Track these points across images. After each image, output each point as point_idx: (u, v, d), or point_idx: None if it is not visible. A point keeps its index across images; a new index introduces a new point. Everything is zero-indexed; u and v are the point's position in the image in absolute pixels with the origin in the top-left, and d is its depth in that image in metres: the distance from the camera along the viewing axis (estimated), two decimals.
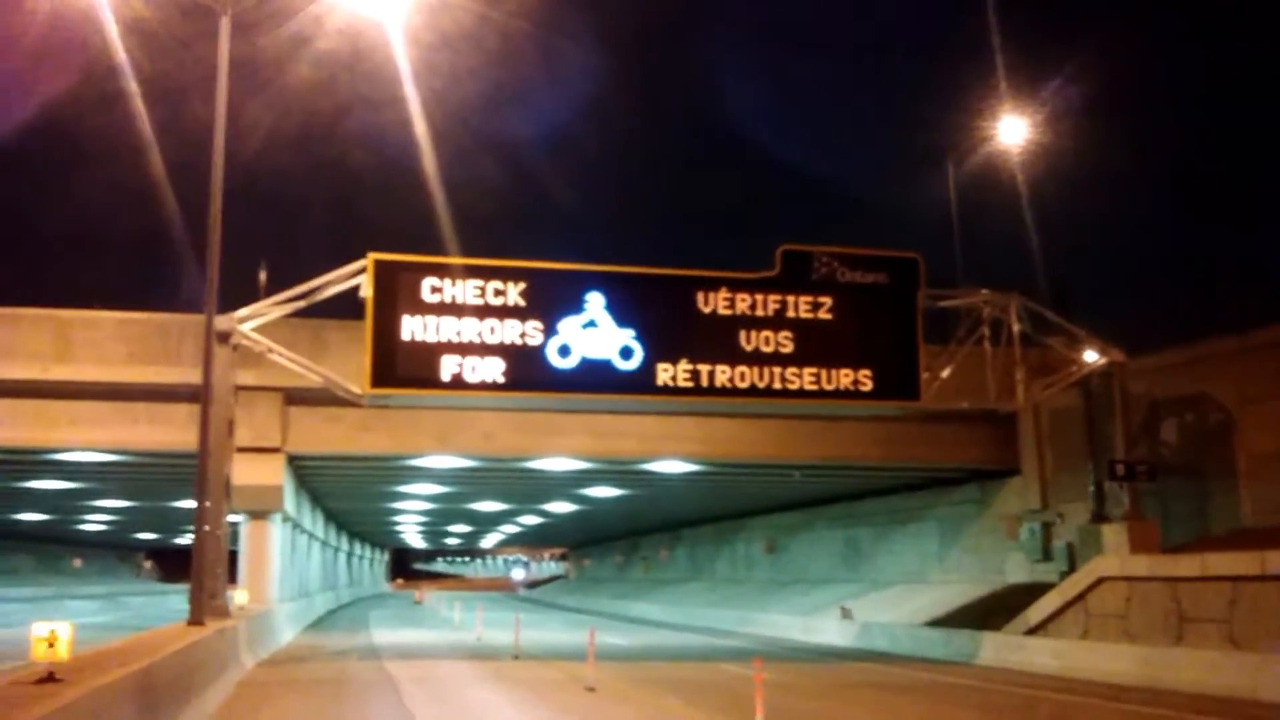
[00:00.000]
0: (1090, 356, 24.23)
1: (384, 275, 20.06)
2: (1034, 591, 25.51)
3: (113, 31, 18.43)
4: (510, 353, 20.35)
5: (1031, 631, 23.77)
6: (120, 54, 19.14)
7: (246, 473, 24.16)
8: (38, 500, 44.27)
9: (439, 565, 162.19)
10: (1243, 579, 19.12)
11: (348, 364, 21.46)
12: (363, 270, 20.12)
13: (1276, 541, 19.53)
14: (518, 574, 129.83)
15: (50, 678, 8.98)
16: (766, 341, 21.32)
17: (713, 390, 21.12)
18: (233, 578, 25.79)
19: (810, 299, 21.62)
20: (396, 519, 63.15)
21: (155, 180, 25.69)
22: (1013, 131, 26.08)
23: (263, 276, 26.09)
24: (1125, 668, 20.01)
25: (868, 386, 21.61)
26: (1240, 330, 23.81)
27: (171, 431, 24.91)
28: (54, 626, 9.38)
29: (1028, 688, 19.30)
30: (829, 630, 32.38)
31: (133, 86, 20.86)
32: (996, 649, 23.93)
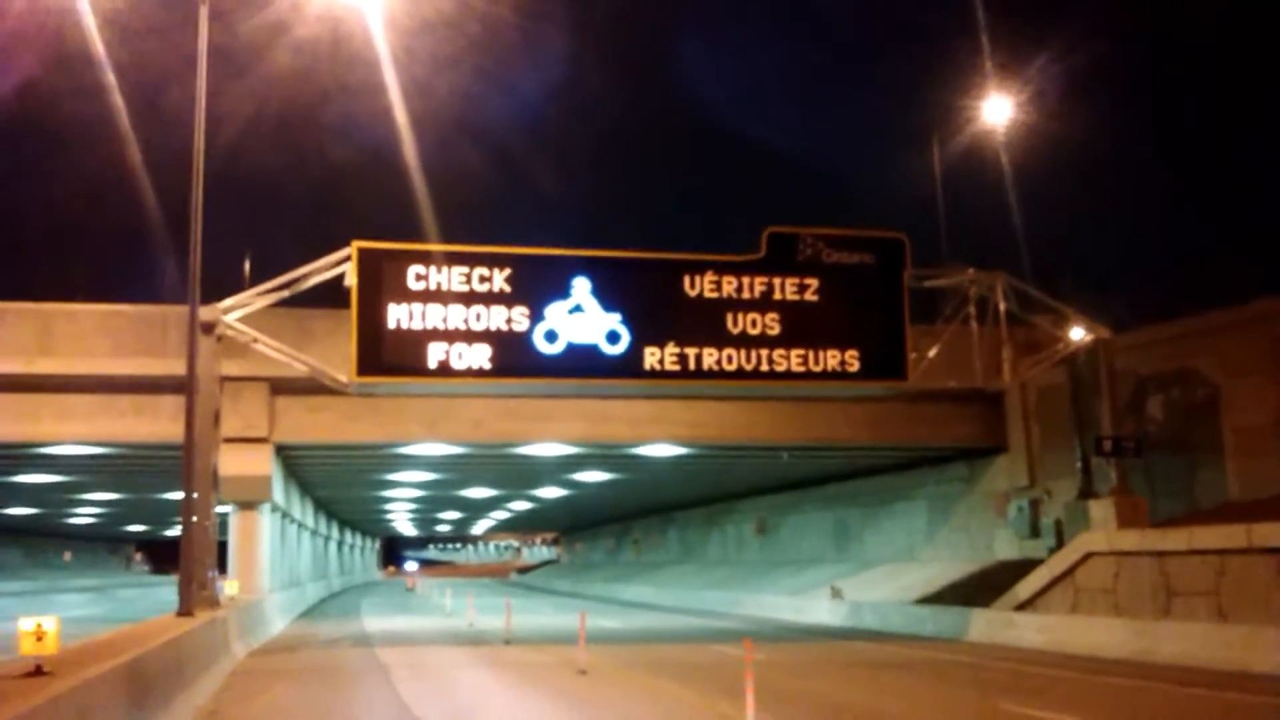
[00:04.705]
0: (1076, 334, 24.28)
1: (368, 263, 19.96)
2: (1023, 568, 25.62)
3: (90, 21, 18.30)
4: (496, 339, 20.29)
5: (1021, 607, 23.89)
6: (97, 43, 19.01)
7: (234, 463, 24.10)
8: (25, 494, 44.09)
9: (430, 552, 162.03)
10: (1229, 552, 19.22)
11: (334, 353, 21.38)
12: (347, 258, 20.02)
13: (1263, 514, 19.63)
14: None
15: (38, 671, 8.96)
16: (753, 324, 21.31)
17: (700, 373, 21.10)
18: (223, 568, 25.78)
19: (796, 280, 21.60)
20: (387, 507, 63.13)
21: (134, 170, 25.51)
22: (997, 110, 26.02)
23: (246, 266, 26.00)
24: (1114, 641, 20.16)
25: (855, 367, 21.63)
26: (1226, 304, 23.87)
27: (158, 423, 24.82)
28: (41, 620, 9.34)
29: (1018, 663, 19.41)
30: (820, 610, 32.51)
31: (110, 77, 20.72)
32: (986, 625, 24.06)
